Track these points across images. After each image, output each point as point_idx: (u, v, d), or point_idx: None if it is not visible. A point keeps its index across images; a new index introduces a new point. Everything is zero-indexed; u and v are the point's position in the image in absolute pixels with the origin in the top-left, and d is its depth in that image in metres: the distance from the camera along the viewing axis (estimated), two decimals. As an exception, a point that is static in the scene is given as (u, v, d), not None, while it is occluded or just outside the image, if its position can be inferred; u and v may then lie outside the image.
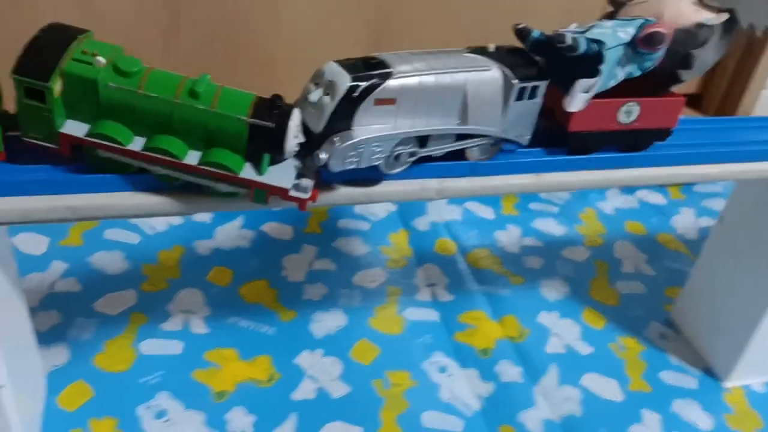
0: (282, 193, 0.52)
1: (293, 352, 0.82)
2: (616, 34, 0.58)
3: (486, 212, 1.10)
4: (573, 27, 0.61)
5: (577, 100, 0.58)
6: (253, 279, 0.91)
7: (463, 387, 0.80)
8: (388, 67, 0.53)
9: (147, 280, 0.88)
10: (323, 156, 0.52)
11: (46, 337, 0.78)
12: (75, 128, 0.51)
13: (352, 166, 0.54)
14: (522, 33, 0.58)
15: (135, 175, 0.53)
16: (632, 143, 0.65)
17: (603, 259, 1.03)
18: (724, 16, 0.60)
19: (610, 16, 0.65)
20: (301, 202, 0.53)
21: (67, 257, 0.90)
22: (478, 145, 0.59)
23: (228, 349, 0.81)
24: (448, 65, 0.55)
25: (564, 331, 0.89)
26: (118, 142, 0.51)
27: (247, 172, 0.52)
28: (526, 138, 0.60)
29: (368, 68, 0.53)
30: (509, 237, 1.05)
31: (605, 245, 1.06)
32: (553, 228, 1.08)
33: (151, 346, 0.80)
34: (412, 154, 0.57)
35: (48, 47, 0.50)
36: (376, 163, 0.55)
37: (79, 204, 0.51)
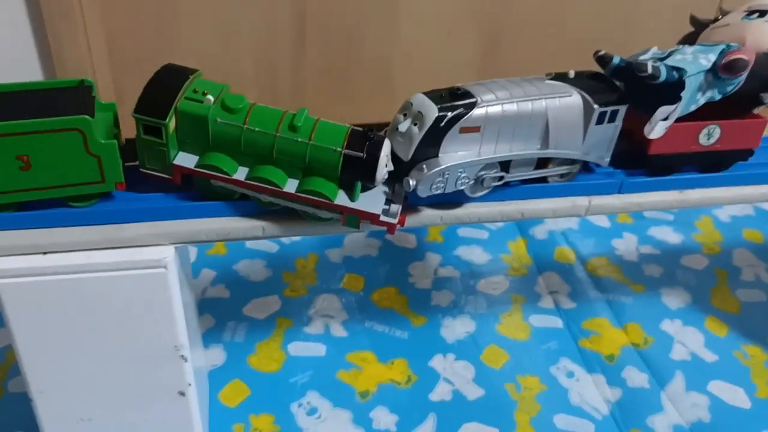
0: (373, 218, 0.57)
1: (427, 356, 0.87)
2: (698, 60, 0.60)
3: (601, 220, 1.12)
4: (653, 50, 0.63)
5: (657, 129, 0.60)
6: (384, 285, 0.97)
7: (591, 391, 0.83)
8: (472, 97, 0.57)
9: (288, 286, 0.95)
10: (412, 182, 0.57)
11: (204, 339, 0.86)
12: (186, 160, 0.56)
13: (438, 191, 0.58)
14: (603, 59, 0.61)
15: (239, 201, 0.58)
16: (713, 164, 0.66)
17: (722, 267, 1.04)
18: None
19: (691, 36, 0.67)
20: (390, 227, 0.57)
21: (215, 265, 0.98)
22: (558, 168, 0.62)
23: (367, 351, 0.87)
24: (529, 93, 0.58)
25: (688, 339, 0.91)
26: (225, 172, 0.56)
27: (341, 198, 0.56)
28: (605, 160, 0.63)
29: (454, 98, 0.57)
30: (626, 245, 1.07)
31: (723, 253, 1.07)
32: (669, 236, 1.10)
33: (298, 348, 0.86)
34: (498, 179, 0.60)
35: (163, 88, 0.55)
36: (462, 188, 0.59)
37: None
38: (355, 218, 0.57)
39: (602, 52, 0.61)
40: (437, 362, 0.86)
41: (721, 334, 0.92)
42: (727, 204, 0.68)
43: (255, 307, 0.92)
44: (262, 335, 0.87)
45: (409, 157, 0.57)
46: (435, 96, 0.57)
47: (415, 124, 0.57)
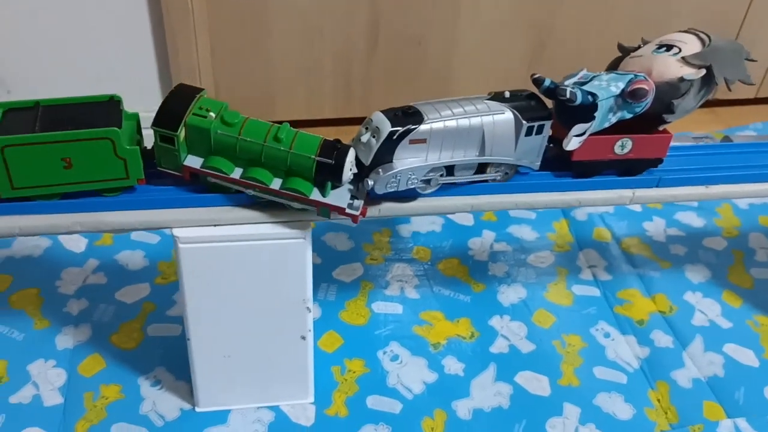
0: (340, 210, 0.72)
1: (486, 316, 1.03)
2: (609, 87, 0.73)
3: (634, 205, 1.28)
4: (583, 72, 0.77)
5: (573, 142, 0.74)
6: (448, 257, 1.14)
7: (624, 349, 1.00)
8: (421, 115, 0.71)
9: (368, 255, 1.12)
10: (370, 182, 0.72)
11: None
12: (193, 162, 0.71)
13: (392, 189, 0.73)
14: (536, 82, 0.74)
15: (234, 195, 0.73)
16: (628, 169, 0.80)
17: (739, 248, 1.19)
18: (702, 72, 0.74)
19: (617, 61, 0.81)
20: (354, 218, 0.72)
21: (305, 236, 1.15)
22: (495, 171, 0.76)
23: (436, 311, 1.04)
24: (468, 111, 0.72)
25: (707, 308, 1.07)
26: (224, 172, 0.71)
27: (315, 194, 0.72)
28: (536, 164, 0.77)
29: (405, 116, 0.71)
30: (656, 228, 1.23)
31: (740, 236, 1.22)
32: (694, 220, 1.25)
33: (379, 307, 1.03)
34: (442, 180, 0.74)
35: (175, 105, 0.70)
36: (412, 186, 0.74)
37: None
38: (326, 210, 0.72)
39: (537, 76, 0.74)
40: (495, 321, 1.02)
41: (735, 305, 1.08)
42: (743, 198, 0.84)
43: (342, 271, 1.09)
44: (349, 295, 1.05)
45: (369, 162, 0.72)
46: (391, 114, 0.71)
47: (374, 137, 0.71)
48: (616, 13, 1.35)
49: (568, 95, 0.71)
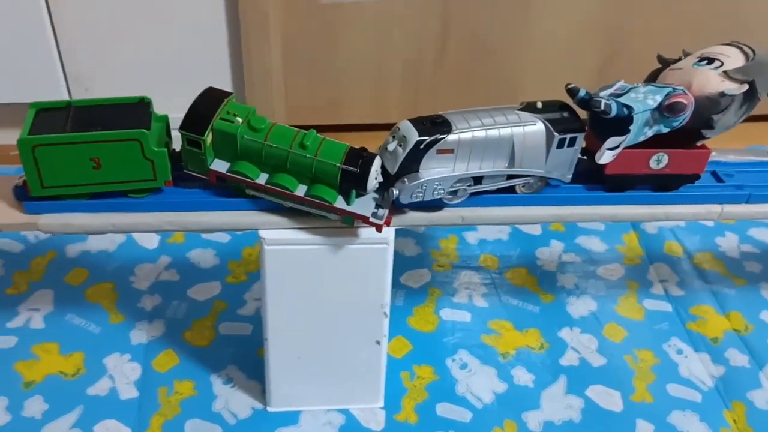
0: (364, 219, 0.71)
1: (556, 327, 1.02)
2: (646, 100, 0.71)
3: (706, 220, 1.25)
4: (619, 84, 0.74)
5: (606, 155, 0.72)
6: (516, 266, 1.13)
7: (698, 367, 0.97)
8: (449, 125, 0.70)
9: (435, 262, 1.12)
10: (396, 192, 0.71)
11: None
12: (220, 166, 0.71)
13: (417, 199, 0.72)
14: (571, 92, 0.72)
15: (259, 199, 0.73)
16: (663, 185, 0.78)
17: (817, 267, 1.16)
18: (744, 88, 0.71)
19: (656, 73, 0.78)
20: (378, 227, 0.72)
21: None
22: (525, 183, 0.75)
23: (505, 320, 1.03)
24: (498, 121, 0.71)
25: (784, 329, 1.04)
26: (249, 177, 0.71)
27: (339, 202, 0.71)
28: (567, 177, 0.75)
29: (433, 125, 0.70)
30: (729, 243, 1.20)
31: (818, 255, 1.19)
32: (768, 237, 1.23)
33: (448, 314, 1.03)
34: (470, 191, 0.73)
35: (203, 109, 0.70)
36: (438, 196, 0.73)
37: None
38: (350, 218, 0.72)
39: (571, 85, 0.72)
40: (565, 333, 1.01)
41: (814, 326, 1.05)
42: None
43: (410, 277, 1.09)
44: (417, 301, 1.05)
45: (395, 171, 0.71)
46: (418, 123, 0.70)
47: (400, 146, 0.70)
48: (689, 23, 1.32)
49: (602, 107, 0.69)
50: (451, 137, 0.69)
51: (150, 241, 1.12)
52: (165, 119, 0.75)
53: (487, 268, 1.12)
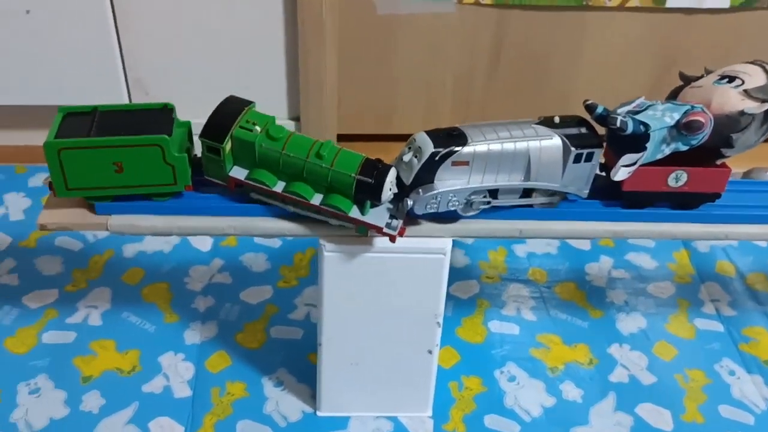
0: (377, 229, 0.71)
1: (605, 343, 1.02)
2: (663, 117, 0.70)
3: (760, 241, 1.24)
4: (639, 101, 0.73)
5: (621, 173, 0.71)
6: (564, 280, 1.12)
7: (750, 389, 0.96)
8: (465, 137, 0.70)
9: (484, 273, 1.12)
10: (410, 202, 0.71)
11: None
12: (239, 173, 0.72)
13: (432, 210, 0.72)
14: (589, 108, 0.71)
15: (276, 207, 0.74)
16: (682, 203, 0.76)
17: None
18: (766, 107, 0.69)
19: (678, 90, 0.76)
20: (392, 237, 0.71)
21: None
22: (542, 197, 0.74)
23: (553, 335, 1.03)
24: (515, 135, 0.70)
25: (840, 353, 1.02)
26: (267, 185, 0.71)
27: (354, 212, 0.71)
28: (584, 192, 0.74)
29: (449, 137, 0.70)
30: (783, 265, 1.19)
31: None
32: (824, 260, 1.20)
33: (496, 326, 1.03)
34: (485, 203, 0.73)
35: (223, 118, 0.71)
36: (453, 208, 0.72)
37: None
38: (364, 228, 0.72)
39: (590, 102, 0.71)
40: (614, 350, 1.01)
41: None
42: None
43: (458, 288, 1.09)
44: (466, 312, 1.05)
45: (410, 182, 0.71)
46: (434, 135, 0.70)
47: (416, 157, 0.70)
48: (743, 38, 1.31)
49: (618, 124, 0.69)
50: (466, 149, 0.69)
51: (204, 244, 1.15)
52: (187, 125, 0.77)
53: (536, 281, 1.12)
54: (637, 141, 0.70)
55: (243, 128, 0.70)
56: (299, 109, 1.31)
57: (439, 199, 0.71)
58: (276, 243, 1.16)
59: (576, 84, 1.34)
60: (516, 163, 0.71)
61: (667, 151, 0.72)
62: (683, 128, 0.70)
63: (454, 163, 0.70)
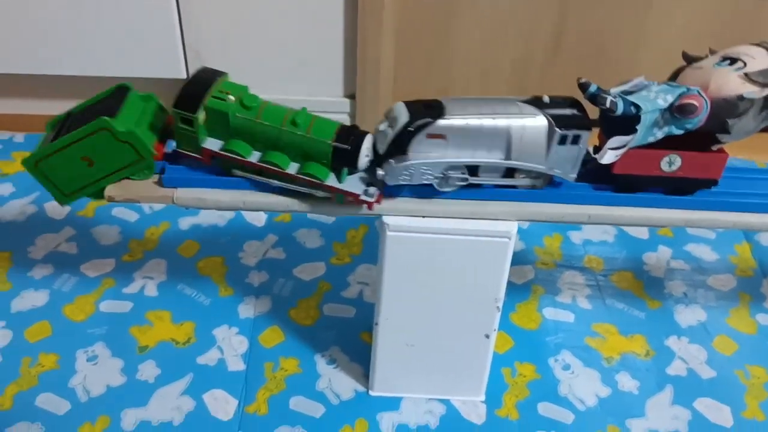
0: (354, 197, 0.70)
1: (662, 335, 0.99)
2: (657, 100, 0.66)
3: (826, 235, 1.20)
4: (637, 80, 0.69)
5: (608, 155, 0.67)
6: (621, 269, 1.10)
7: (814, 388, 0.94)
8: (443, 110, 0.67)
9: (539, 259, 1.11)
10: (381, 172, 0.69)
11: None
12: (213, 144, 0.70)
13: (404, 182, 0.69)
14: (582, 86, 0.67)
15: (251, 178, 0.71)
16: (677, 189, 0.73)
17: None
18: (766, 92, 0.65)
19: (680, 71, 0.72)
20: (369, 204, 0.70)
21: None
22: (525, 177, 0.71)
23: (609, 324, 1.01)
24: (495, 111, 0.67)
25: None
26: (241, 156, 0.70)
27: (331, 180, 0.70)
28: (571, 176, 0.71)
29: (427, 109, 0.67)
30: None
31: None
32: None
33: (551, 313, 1.02)
34: (462, 179, 0.70)
35: (196, 88, 0.69)
36: (427, 182, 0.70)
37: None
38: (341, 196, 0.71)
39: (583, 80, 0.67)
40: (672, 342, 0.98)
41: None
42: None
43: (512, 272, 1.07)
44: (520, 297, 1.04)
45: (384, 152, 0.69)
46: (412, 105, 0.68)
47: (391, 127, 0.68)
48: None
49: (607, 104, 0.65)
50: (441, 122, 0.67)
51: (258, 219, 1.15)
52: (154, 99, 0.75)
53: (592, 269, 1.10)
54: (628, 123, 0.67)
55: (216, 98, 0.69)
56: (355, 87, 1.30)
57: (411, 171, 0.69)
58: (329, 219, 1.16)
59: (637, 71, 1.30)
60: (495, 141, 0.69)
61: (659, 134, 0.68)
62: (676, 111, 0.66)
63: (429, 136, 0.68)
